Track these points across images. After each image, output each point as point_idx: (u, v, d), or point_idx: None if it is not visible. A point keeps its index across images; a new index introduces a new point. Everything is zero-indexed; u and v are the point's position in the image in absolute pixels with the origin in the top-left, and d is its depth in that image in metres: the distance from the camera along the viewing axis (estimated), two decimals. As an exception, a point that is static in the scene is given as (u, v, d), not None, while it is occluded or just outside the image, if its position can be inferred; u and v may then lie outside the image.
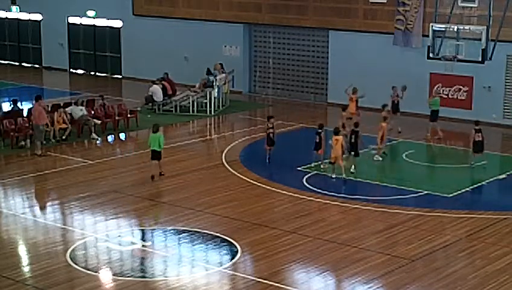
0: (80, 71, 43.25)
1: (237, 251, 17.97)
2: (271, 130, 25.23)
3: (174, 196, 22.18)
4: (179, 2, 39.06)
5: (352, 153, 24.32)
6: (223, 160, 25.83)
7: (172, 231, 19.34)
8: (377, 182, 23.67)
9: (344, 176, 23.30)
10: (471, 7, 29.41)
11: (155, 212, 21.03)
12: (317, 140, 24.58)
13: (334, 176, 23.28)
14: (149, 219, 20.38)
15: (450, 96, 31.94)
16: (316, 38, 35.94)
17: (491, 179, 23.97)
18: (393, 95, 29.55)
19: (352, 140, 24.35)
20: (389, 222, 20.09)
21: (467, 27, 27.27)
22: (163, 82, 33.96)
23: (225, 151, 26.92)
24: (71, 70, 43.49)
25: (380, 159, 25.55)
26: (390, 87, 29.97)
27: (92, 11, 41.89)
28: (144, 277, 16.69)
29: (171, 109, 33.21)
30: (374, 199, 21.84)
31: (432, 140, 28.39)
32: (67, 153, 26.87)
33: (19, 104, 29.91)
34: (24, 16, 45.08)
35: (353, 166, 24.18)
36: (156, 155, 23.72)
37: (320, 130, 24.65)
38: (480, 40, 26.62)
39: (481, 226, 19.78)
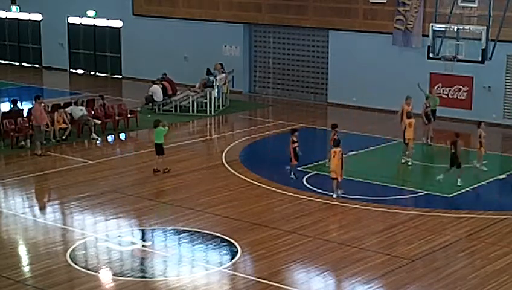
0: (80, 71, 43.25)
1: (237, 251, 17.97)
2: (296, 144, 23.69)
3: (174, 196, 22.18)
4: (179, 2, 39.06)
5: (454, 165, 23.15)
6: (223, 160, 25.83)
7: (172, 231, 19.35)
8: (377, 182, 23.66)
9: (335, 196, 21.86)
10: (471, 7, 29.43)
11: (158, 211, 21.00)
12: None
13: (335, 195, 21.86)
14: (149, 218, 20.36)
15: (450, 96, 31.93)
16: (316, 38, 35.94)
17: (491, 179, 23.97)
18: (426, 106, 27.90)
19: (453, 150, 23.17)
20: (389, 222, 20.10)
21: (467, 27, 27.27)
22: (163, 82, 33.96)
23: (225, 151, 26.93)
24: (71, 70, 43.49)
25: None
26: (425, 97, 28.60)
27: (92, 11, 41.89)
28: (144, 277, 16.70)
29: (171, 109, 33.20)
30: (374, 199, 21.84)
31: (433, 140, 28.35)
32: (67, 153, 26.88)
33: (18, 104, 29.89)
34: (24, 16, 45.07)
35: (459, 179, 23.14)
36: (156, 149, 24.00)
37: (332, 131, 24.22)
38: (480, 40, 26.61)
39: (481, 226, 19.78)
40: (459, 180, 23.21)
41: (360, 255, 17.84)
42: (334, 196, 21.76)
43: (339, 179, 21.86)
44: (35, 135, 26.45)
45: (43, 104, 27.12)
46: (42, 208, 21.44)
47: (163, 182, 23.45)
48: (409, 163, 25.17)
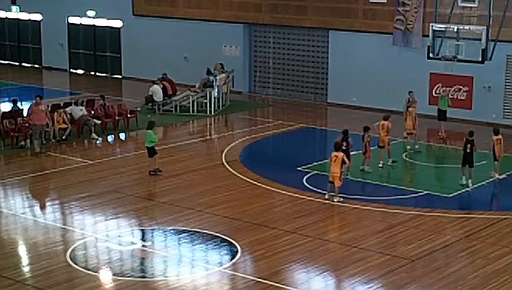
0: (80, 71, 43.24)
1: (237, 251, 17.98)
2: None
3: (174, 196, 22.18)
4: (179, 2, 39.06)
5: (467, 164, 23.01)
6: (223, 160, 25.83)
7: (172, 231, 19.35)
8: (377, 182, 23.66)
9: (336, 200, 21.56)
10: (471, 7, 29.40)
11: (153, 212, 21.00)
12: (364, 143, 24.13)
13: (336, 200, 21.52)
14: (149, 218, 20.38)
15: (450, 96, 31.90)
16: (316, 38, 35.94)
17: (491, 179, 23.95)
18: (409, 100, 28.20)
19: (468, 150, 22.99)
20: (389, 222, 20.10)
21: (467, 27, 27.26)
22: (163, 82, 33.97)
23: (225, 151, 26.93)
24: (71, 70, 43.49)
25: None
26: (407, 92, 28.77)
27: (92, 11, 41.89)
28: (144, 277, 16.70)
29: (171, 109, 33.21)
30: (374, 199, 21.84)
31: (440, 140, 28.32)
32: (67, 153, 26.88)
33: (18, 104, 29.85)
34: (24, 16, 45.06)
35: (469, 180, 23.01)
36: (149, 152, 24.14)
37: (364, 134, 24.09)
38: (480, 40, 26.60)
39: (481, 226, 19.79)
40: (470, 181, 23.09)
41: (360, 255, 17.84)
42: (335, 200, 21.57)
43: (338, 184, 21.55)
44: (33, 135, 26.46)
45: (40, 104, 26.96)
46: (42, 208, 21.44)
47: (163, 182, 23.44)
48: (389, 163, 24.99)
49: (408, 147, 27.11)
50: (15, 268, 17.06)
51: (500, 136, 23.99)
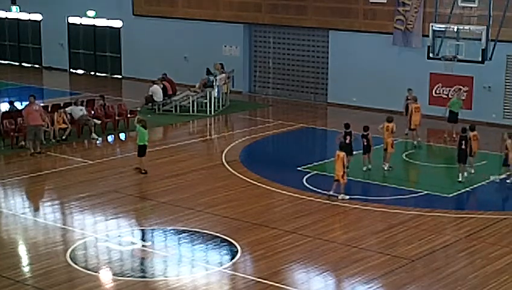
0: (80, 71, 43.24)
1: (237, 251, 17.98)
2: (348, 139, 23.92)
3: (174, 196, 22.18)
4: (178, 2, 39.05)
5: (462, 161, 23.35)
6: (223, 160, 25.83)
7: (172, 231, 19.35)
8: (377, 182, 23.66)
9: (340, 197, 21.65)
10: (471, 7, 29.38)
11: (152, 212, 21.00)
12: (365, 143, 24.17)
13: (340, 197, 21.57)
14: (149, 218, 20.38)
15: (450, 96, 31.91)
16: (316, 38, 35.94)
17: (491, 179, 23.94)
18: (408, 98, 28.65)
19: (463, 146, 23.21)
20: (389, 222, 20.10)
21: (466, 27, 27.26)
22: (163, 82, 33.97)
23: (225, 151, 26.93)
24: (71, 70, 43.49)
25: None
26: (406, 89, 29.34)
27: (92, 11, 41.89)
28: (144, 277, 16.70)
29: (171, 109, 33.20)
30: (374, 199, 21.84)
31: (451, 141, 28.39)
32: (67, 153, 26.88)
33: (17, 104, 29.80)
34: (24, 16, 45.06)
35: (464, 174, 23.23)
36: (144, 151, 24.18)
37: (366, 133, 24.14)
38: (480, 40, 26.62)
39: (481, 226, 19.79)
40: (460, 175, 23.28)
41: (360, 255, 17.85)
42: (339, 197, 21.63)
43: (341, 182, 21.63)
44: (27, 135, 26.44)
45: (34, 104, 26.88)
46: (42, 208, 21.43)
47: (163, 182, 23.44)
48: (385, 168, 24.84)
49: (415, 142, 27.68)
50: (15, 268, 17.07)
51: (476, 133, 24.14)
